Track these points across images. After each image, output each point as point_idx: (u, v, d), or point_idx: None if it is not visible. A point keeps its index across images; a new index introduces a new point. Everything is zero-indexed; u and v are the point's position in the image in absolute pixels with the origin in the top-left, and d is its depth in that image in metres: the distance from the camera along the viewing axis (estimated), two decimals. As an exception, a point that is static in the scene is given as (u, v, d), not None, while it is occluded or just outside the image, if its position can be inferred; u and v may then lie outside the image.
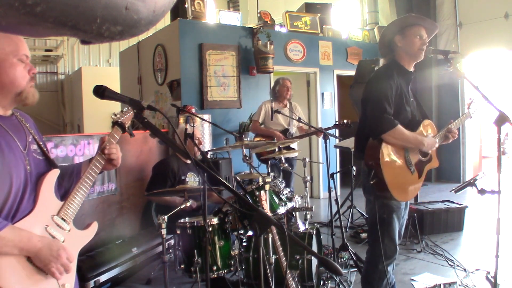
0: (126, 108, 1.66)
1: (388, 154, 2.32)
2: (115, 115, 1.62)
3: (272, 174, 3.40)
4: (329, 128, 4.28)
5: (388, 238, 2.43)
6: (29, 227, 1.36)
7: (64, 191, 1.59)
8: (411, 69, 2.49)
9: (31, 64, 1.43)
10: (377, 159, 2.28)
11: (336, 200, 4.20)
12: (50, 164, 1.54)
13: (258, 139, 5.06)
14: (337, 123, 4.39)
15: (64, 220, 1.47)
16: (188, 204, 2.92)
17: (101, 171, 1.61)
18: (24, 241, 1.31)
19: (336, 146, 5.61)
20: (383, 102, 2.29)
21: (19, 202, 1.38)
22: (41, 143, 1.55)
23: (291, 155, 4.77)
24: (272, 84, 5.28)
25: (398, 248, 2.52)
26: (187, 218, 3.05)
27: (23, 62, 1.40)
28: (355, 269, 3.51)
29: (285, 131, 5.00)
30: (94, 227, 1.60)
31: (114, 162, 1.61)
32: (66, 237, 1.46)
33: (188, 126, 2.92)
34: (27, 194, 1.40)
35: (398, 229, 2.50)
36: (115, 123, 1.61)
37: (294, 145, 4.98)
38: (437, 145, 2.48)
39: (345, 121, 4.25)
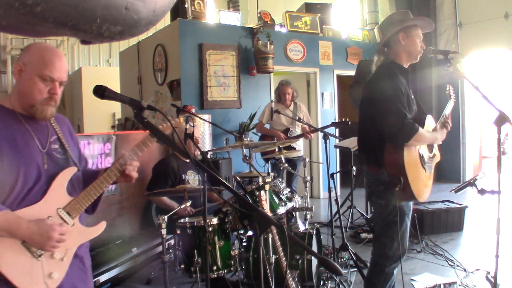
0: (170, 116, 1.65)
1: (408, 158, 2.26)
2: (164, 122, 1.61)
3: (272, 174, 3.40)
4: (327, 127, 4.30)
5: (398, 241, 2.39)
6: (32, 216, 1.45)
7: None
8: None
9: (55, 86, 1.54)
10: (401, 166, 2.21)
11: (336, 200, 4.20)
12: (70, 163, 1.62)
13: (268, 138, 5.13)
14: (335, 121, 4.41)
15: (70, 214, 1.54)
16: (188, 204, 2.92)
17: (115, 182, 1.68)
18: (13, 228, 1.40)
19: (336, 146, 5.61)
20: (399, 106, 2.23)
21: (27, 192, 1.47)
22: (66, 144, 1.64)
23: (294, 155, 4.80)
24: (275, 85, 5.32)
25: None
26: (187, 218, 3.06)
27: (45, 81, 1.51)
28: (355, 269, 3.51)
29: (287, 131, 5.05)
30: (101, 227, 1.66)
31: (129, 179, 1.68)
32: (68, 230, 1.51)
33: (188, 126, 2.92)
34: (37, 187, 1.49)
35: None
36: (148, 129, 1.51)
37: (298, 145, 5.01)
38: (445, 135, 2.49)
39: (342, 119, 4.26)
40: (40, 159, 1.53)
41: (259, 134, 5.47)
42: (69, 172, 1.58)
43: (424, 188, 2.39)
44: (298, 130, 5.14)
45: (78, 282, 1.59)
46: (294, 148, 4.94)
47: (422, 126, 2.38)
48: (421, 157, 2.37)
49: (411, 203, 2.49)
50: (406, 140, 2.21)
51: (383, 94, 2.31)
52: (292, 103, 5.18)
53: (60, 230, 1.46)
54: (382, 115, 2.30)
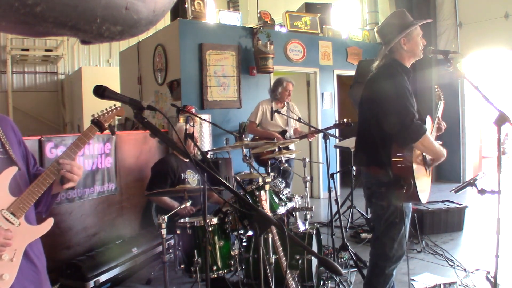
0: (112, 106, 1.70)
1: (416, 160, 2.26)
2: (93, 115, 1.67)
3: (272, 174, 3.40)
4: (329, 128, 4.26)
5: (398, 242, 2.40)
6: None
7: None
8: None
9: None
10: (410, 168, 2.20)
11: (336, 200, 4.20)
12: (11, 162, 1.58)
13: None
14: (337, 122, 4.37)
15: (14, 214, 1.52)
16: (188, 204, 2.92)
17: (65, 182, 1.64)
18: None
19: (336, 146, 5.61)
20: (408, 105, 2.21)
21: None
22: (7, 144, 1.60)
23: (289, 156, 4.74)
24: (273, 83, 5.16)
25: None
26: (187, 218, 3.06)
27: None
28: (355, 269, 3.51)
29: (284, 132, 4.97)
30: (49, 223, 1.62)
31: (69, 182, 1.62)
32: (14, 230, 1.50)
33: (188, 126, 2.92)
34: None
35: None
36: (92, 122, 1.65)
37: (291, 145, 4.96)
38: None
39: (345, 120, 4.23)
40: None
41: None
42: (10, 173, 1.55)
43: (427, 189, 2.39)
44: (291, 131, 5.01)
45: (29, 284, 1.56)
46: (292, 149, 4.88)
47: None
48: (424, 158, 2.37)
49: (410, 204, 2.49)
50: (414, 140, 2.19)
51: (390, 93, 2.28)
52: (286, 103, 4.95)
53: (5, 234, 1.45)
54: (389, 114, 2.26)
